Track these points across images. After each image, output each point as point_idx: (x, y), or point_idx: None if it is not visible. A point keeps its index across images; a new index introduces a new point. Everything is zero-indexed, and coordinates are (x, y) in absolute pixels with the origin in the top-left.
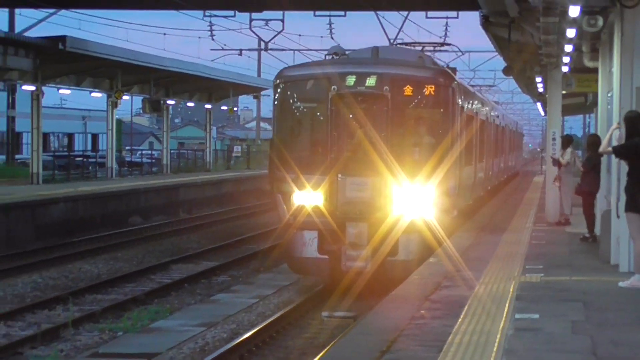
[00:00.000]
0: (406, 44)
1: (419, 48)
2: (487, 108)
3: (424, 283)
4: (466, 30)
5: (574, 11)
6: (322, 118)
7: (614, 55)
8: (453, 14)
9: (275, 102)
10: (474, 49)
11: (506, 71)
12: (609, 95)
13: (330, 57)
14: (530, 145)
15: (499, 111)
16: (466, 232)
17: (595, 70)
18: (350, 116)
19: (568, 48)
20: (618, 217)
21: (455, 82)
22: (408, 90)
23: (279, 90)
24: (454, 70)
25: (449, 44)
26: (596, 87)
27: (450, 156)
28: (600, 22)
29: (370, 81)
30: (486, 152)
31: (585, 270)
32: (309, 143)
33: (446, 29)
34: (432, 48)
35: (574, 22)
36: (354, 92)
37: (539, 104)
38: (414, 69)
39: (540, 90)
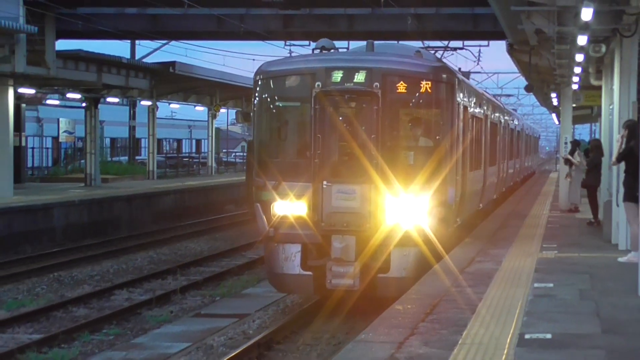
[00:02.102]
0: (426, 48)
1: (432, 52)
2: (500, 111)
3: (461, 258)
4: (495, 56)
5: (582, 40)
6: (305, 118)
7: (615, 76)
8: (485, 43)
9: (255, 101)
10: (502, 71)
11: (527, 89)
12: (611, 107)
13: (318, 52)
14: (547, 148)
15: (515, 116)
16: (495, 217)
17: (599, 88)
18: (337, 116)
19: (577, 70)
20: (617, 205)
21: (456, 79)
22: (401, 87)
23: (258, 87)
24: (467, 74)
25: (462, 48)
26: (600, 101)
27: (450, 160)
28: (604, 49)
29: (359, 77)
30: (500, 155)
31: (591, 248)
32: (291, 146)
33: (479, 54)
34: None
35: (582, 49)
36: (341, 89)
37: (554, 115)
38: (409, 64)
39: (555, 103)
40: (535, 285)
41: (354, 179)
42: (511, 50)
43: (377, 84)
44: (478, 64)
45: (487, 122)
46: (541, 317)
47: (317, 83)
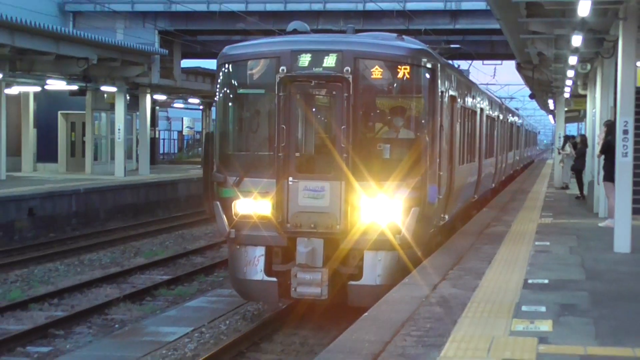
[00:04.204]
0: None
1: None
2: (499, 108)
3: (479, 223)
4: (507, 72)
5: (572, 60)
6: (269, 107)
7: (597, 87)
8: (499, 62)
9: (217, 88)
10: (512, 83)
11: (531, 96)
12: (594, 111)
13: None
14: (545, 142)
15: (515, 114)
16: (505, 193)
17: (585, 96)
18: (304, 105)
19: (569, 82)
20: (598, 184)
21: (438, 64)
22: (376, 72)
23: (220, 73)
24: (467, 72)
25: (459, 48)
26: (586, 106)
27: (432, 154)
28: (589, 67)
29: (329, 61)
30: (498, 147)
31: (578, 216)
32: (254, 138)
33: (495, 71)
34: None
35: (572, 67)
36: (308, 74)
37: (550, 116)
38: (384, 47)
39: (551, 107)
40: (536, 243)
41: (322, 175)
42: (519, 67)
43: (348, 68)
44: (494, 77)
45: (482, 115)
46: (540, 267)
47: (281, 67)
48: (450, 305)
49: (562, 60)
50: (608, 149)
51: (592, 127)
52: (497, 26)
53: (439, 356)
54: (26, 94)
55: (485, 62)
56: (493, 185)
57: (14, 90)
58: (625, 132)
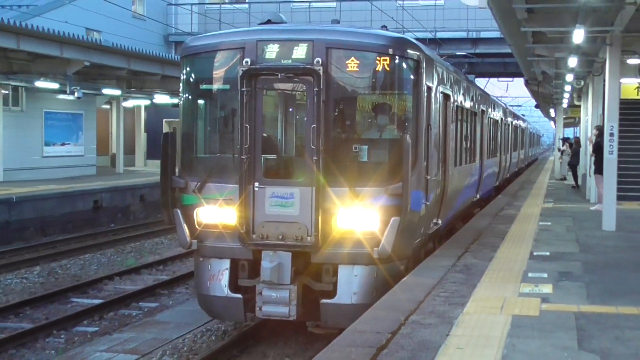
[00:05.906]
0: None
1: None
2: (503, 111)
3: (495, 206)
4: (517, 87)
5: (569, 77)
6: (231, 104)
7: (589, 98)
8: (510, 79)
9: (180, 84)
10: (521, 96)
11: (536, 106)
12: (586, 118)
13: None
14: (547, 142)
15: (521, 118)
16: (515, 184)
17: (579, 106)
18: (271, 102)
19: (566, 95)
20: (590, 176)
21: (423, 57)
22: (351, 63)
23: (183, 67)
24: (473, 78)
25: (465, 55)
26: (580, 114)
27: (416, 157)
28: (582, 83)
29: (299, 51)
30: (502, 148)
31: (574, 201)
32: (218, 139)
33: (507, 86)
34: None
35: (569, 83)
36: (275, 66)
37: (552, 122)
38: (361, 35)
39: (553, 115)
40: (540, 223)
41: (292, 180)
42: (527, 83)
43: (319, 59)
44: (506, 91)
45: (483, 117)
46: (543, 242)
47: (245, 60)
48: (471, 272)
49: (561, 77)
50: (598, 148)
51: (585, 131)
52: (509, 50)
53: (462, 312)
54: (138, 106)
55: (500, 79)
56: (497, 183)
57: (129, 103)
58: (611, 134)
